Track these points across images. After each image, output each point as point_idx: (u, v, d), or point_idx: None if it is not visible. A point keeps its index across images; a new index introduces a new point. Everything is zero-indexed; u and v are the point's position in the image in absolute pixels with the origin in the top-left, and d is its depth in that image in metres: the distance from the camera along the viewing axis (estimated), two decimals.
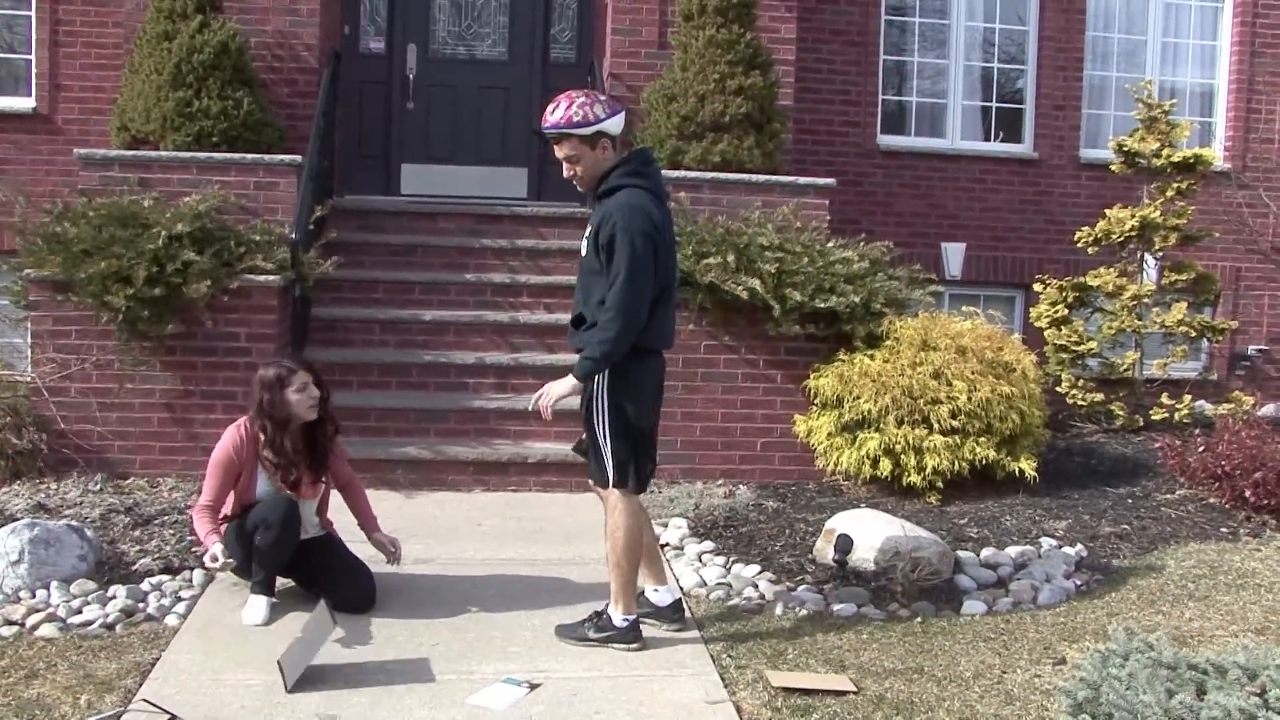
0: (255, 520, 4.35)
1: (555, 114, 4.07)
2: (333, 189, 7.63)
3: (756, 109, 7.25)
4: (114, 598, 4.54)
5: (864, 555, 5.04)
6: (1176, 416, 7.60)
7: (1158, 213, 7.76)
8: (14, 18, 8.34)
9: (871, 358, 6.33)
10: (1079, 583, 5.12)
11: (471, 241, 7.45)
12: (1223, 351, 9.37)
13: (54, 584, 4.59)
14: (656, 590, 4.41)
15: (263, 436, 4.44)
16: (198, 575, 4.77)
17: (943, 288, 8.60)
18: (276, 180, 6.69)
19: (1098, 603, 4.90)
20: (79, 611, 4.43)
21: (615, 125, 4.10)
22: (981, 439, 6.14)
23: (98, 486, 5.98)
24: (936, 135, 9.31)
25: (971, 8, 9.28)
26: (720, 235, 6.57)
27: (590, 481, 4.29)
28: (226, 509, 4.50)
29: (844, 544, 5.03)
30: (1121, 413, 7.67)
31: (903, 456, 6.09)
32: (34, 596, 4.54)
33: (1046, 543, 5.54)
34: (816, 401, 6.48)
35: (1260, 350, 9.52)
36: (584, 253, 4.15)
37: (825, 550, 5.16)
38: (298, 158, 6.79)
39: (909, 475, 6.08)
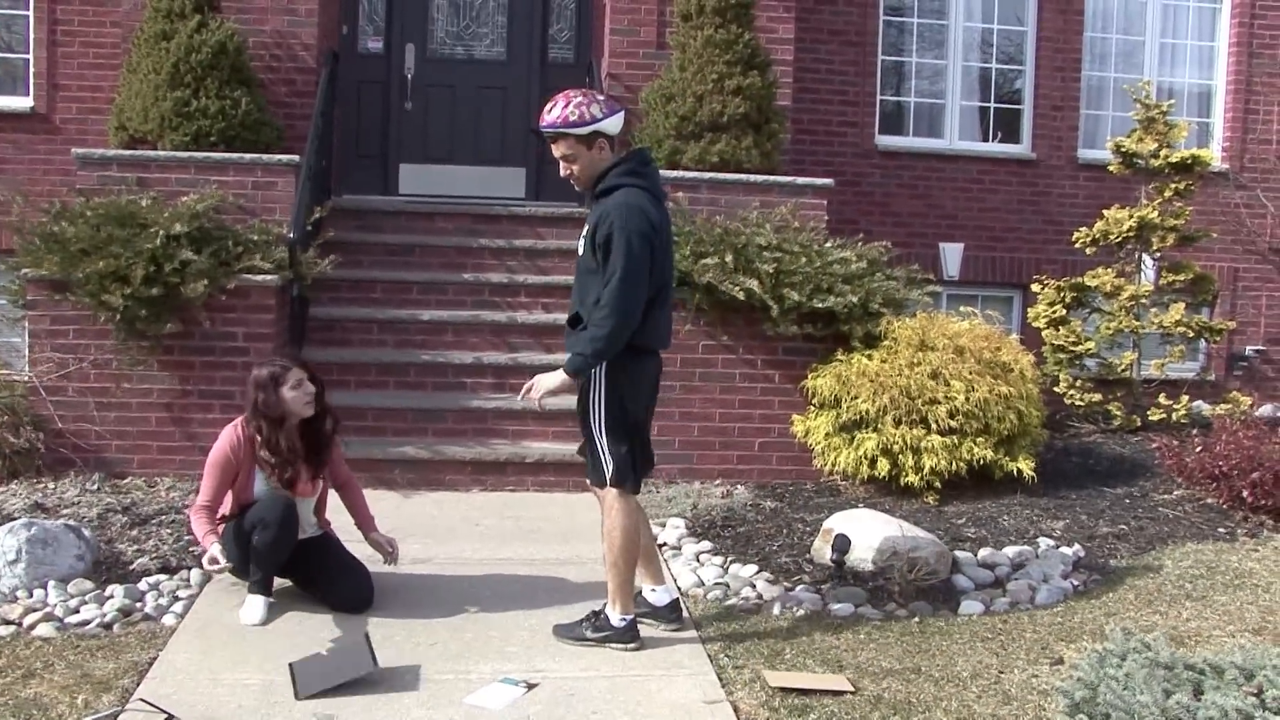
0: (253, 520, 4.35)
1: (552, 113, 4.07)
2: (331, 189, 7.63)
3: (754, 109, 7.26)
4: (111, 597, 4.53)
5: (861, 555, 5.04)
6: (1174, 417, 7.61)
7: (1155, 213, 7.77)
8: (12, 17, 8.33)
9: (869, 358, 6.33)
10: (1076, 583, 5.13)
11: (469, 241, 7.45)
12: (1220, 352, 9.37)
13: (51, 583, 4.58)
14: (654, 590, 4.41)
15: (258, 437, 4.43)
16: (195, 575, 4.77)
17: (941, 288, 8.61)
18: (274, 180, 6.69)
19: (1095, 603, 4.90)
20: (76, 611, 4.43)
21: (612, 125, 4.10)
22: (979, 439, 6.14)
23: (95, 486, 5.97)
24: (935, 135, 9.31)
25: (970, 8, 9.29)
26: (718, 235, 6.57)
27: (587, 481, 4.29)
28: (224, 509, 4.50)
29: (841, 544, 5.03)
30: (1119, 413, 7.67)
31: (900, 456, 6.09)
32: (31, 596, 4.54)
33: (1044, 543, 5.55)
34: (814, 401, 6.48)
35: (1258, 350, 9.52)
36: (581, 252, 4.15)
37: (823, 550, 5.16)
38: (296, 157, 6.79)
39: (907, 475, 6.08)
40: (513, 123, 8.51)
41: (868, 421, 6.18)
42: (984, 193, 9.24)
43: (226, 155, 6.69)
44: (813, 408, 6.51)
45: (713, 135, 7.17)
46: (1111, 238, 7.88)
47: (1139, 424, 7.66)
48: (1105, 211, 8.00)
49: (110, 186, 6.48)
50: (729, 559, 5.21)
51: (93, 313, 6.07)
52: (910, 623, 4.61)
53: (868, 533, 5.10)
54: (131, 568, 4.88)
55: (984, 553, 5.35)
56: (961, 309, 7.30)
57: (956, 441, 6.10)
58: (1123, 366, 7.93)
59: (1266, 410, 8.49)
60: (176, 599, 4.58)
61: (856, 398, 6.17)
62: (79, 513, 5.53)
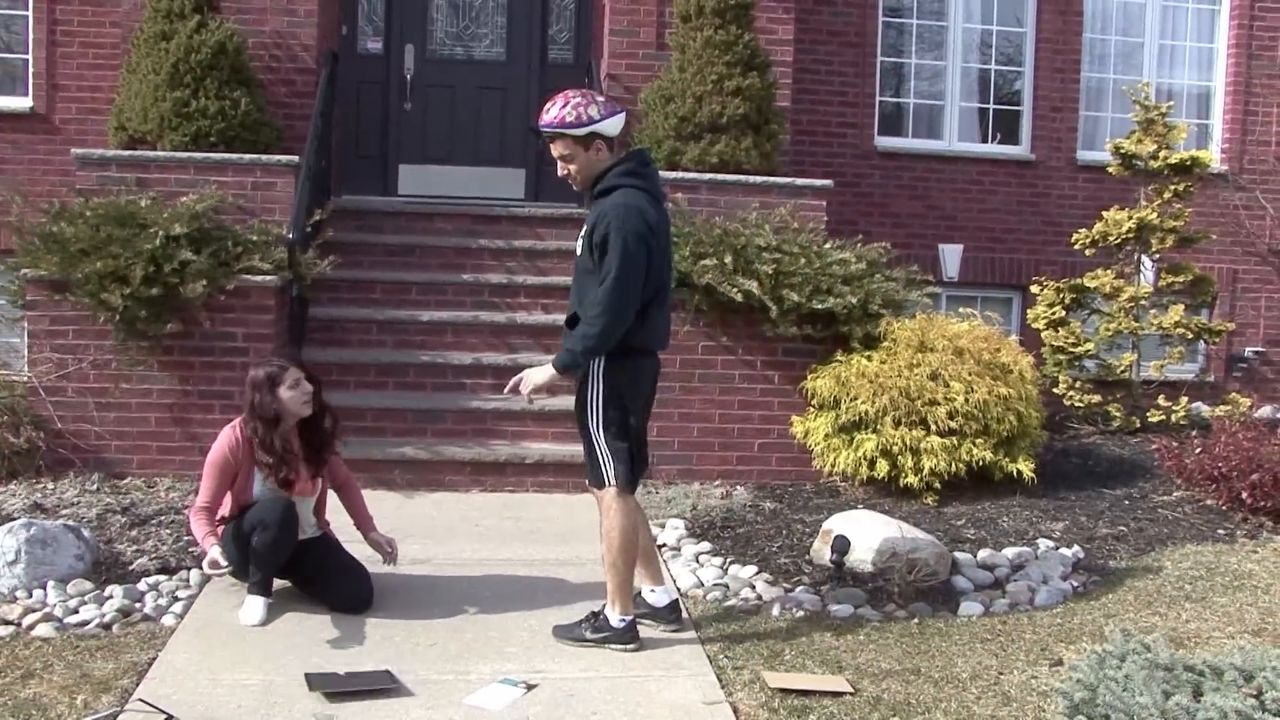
0: (253, 521, 4.34)
1: (550, 112, 4.08)
2: (330, 189, 7.63)
3: (754, 110, 7.26)
4: (111, 597, 4.53)
5: (861, 556, 5.04)
6: (1173, 418, 7.61)
7: (1155, 214, 7.77)
8: (11, 17, 8.33)
9: (869, 359, 6.33)
10: (1076, 584, 5.13)
11: (469, 242, 7.45)
12: (1220, 353, 9.37)
13: (50, 584, 4.58)
14: (653, 591, 4.41)
15: (255, 438, 4.43)
16: (194, 575, 4.77)
17: (940, 289, 8.62)
18: (274, 180, 6.69)
19: (1095, 604, 4.91)
20: (75, 611, 4.43)
21: (611, 127, 4.09)
22: (978, 440, 6.14)
23: (95, 486, 5.97)
24: (934, 137, 9.31)
25: (969, 9, 9.29)
26: (718, 236, 6.58)
27: (586, 482, 4.29)
28: (224, 510, 4.49)
29: (841, 545, 5.03)
30: (1119, 414, 7.68)
31: (900, 458, 6.09)
32: (30, 596, 4.53)
33: (1043, 544, 5.55)
34: (814, 402, 6.48)
35: (1257, 352, 9.53)
36: (579, 252, 4.16)
37: (822, 551, 5.16)
38: (295, 158, 6.79)
39: (906, 476, 6.08)
40: (512, 123, 8.51)
41: (867, 422, 6.18)
42: (983, 194, 9.25)
43: (226, 156, 6.69)
44: (812, 409, 6.51)
45: (712, 136, 7.18)
46: (1111, 239, 7.88)
47: (1138, 425, 7.67)
48: (1104, 213, 8.00)
49: (110, 187, 6.48)
50: (728, 560, 5.21)
51: (92, 313, 6.07)
52: (910, 624, 4.61)
53: (867, 534, 5.10)
54: (131, 568, 4.88)
55: (983, 554, 5.35)
56: (961, 310, 7.30)
57: (956, 443, 6.11)
58: (1122, 368, 7.94)
59: (1266, 412, 8.49)
60: (176, 599, 4.57)
61: (856, 399, 6.18)
62: (78, 513, 5.53)
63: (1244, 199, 9.44)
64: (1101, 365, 8.01)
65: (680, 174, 7.05)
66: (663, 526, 5.63)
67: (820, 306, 6.37)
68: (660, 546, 5.24)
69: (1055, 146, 9.30)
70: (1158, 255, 7.97)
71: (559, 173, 4.21)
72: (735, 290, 6.30)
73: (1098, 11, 9.43)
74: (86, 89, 8.21)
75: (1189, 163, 7.81)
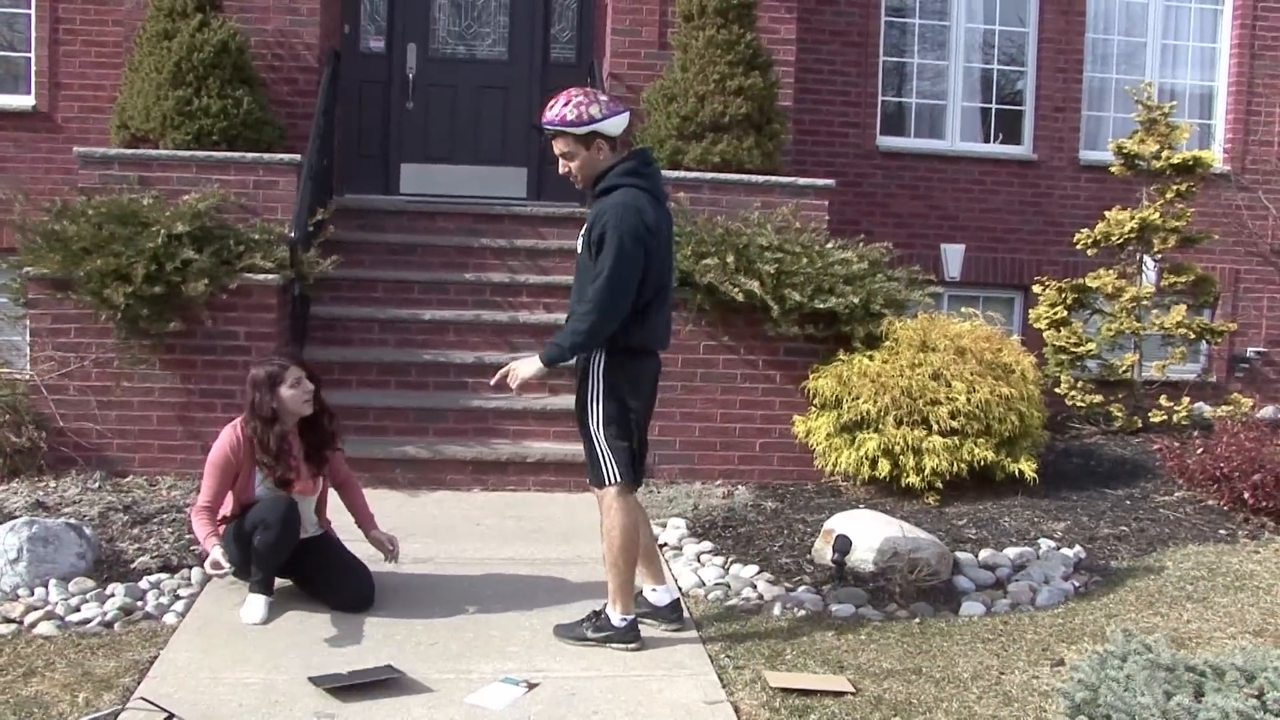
0: (254, 520, 4.35)
1: (552, 110, 4.09)
2: (332, 188, 7.63)
3: (756, 109, 7.26)
4: (112, 596, 4.54)
5: (862, 556, 5.04)
6: (1175, 418, 7.61)
7: (1157, 215, 7.76)
8: (13, 16, 8.33)
9: (870, 358, 6.33)
10: (1077, 584, 5.12)
11: (471, 241, 7.45)
12: (1222, 353, 9.37)
13: (52, 582, 4.58)
14: (655, 590, 4.41)
15: (256, 437, 4.42)
16: (196, 574, 4.77)
17: (942, 289, 8.62)
18: (276, 179, 6.69)
19: (1096, 604, 4.90)
20: (77, 609, 4.43)
21: (613, 126, 4.10)
22: (980, 440, 6.14)
23: (96, 484, 5.97)
24: (936, 136, 9.31)
25: (971, 9, 9.29)
26: (719, 236, 6.58)
27: (587, 481, 4.29)
28: (225, 509, 4.49)
29: (842, 544, 5.03)
30: (1120, 414, 7.67)
31: (901, 457, 6.09)
32: (32, 594, 4.54)
33: (1045, 544, 5.55)
34: (815, 402, 6.48)
35: (1259, 352, 9.52)
36: (579, 251, 4.16)
37: (824, 551, 5.16)
38: (297, 156, 6.79)
39: (908, 476, 6.08)
40: (514, 122, 8.51)
41: (869, 422, 6.18)
42: (985, 194, 9.24)
43: (228, 154, 6.69)
44: (814, 408, 6.51)
45: (714, 135, 7.18)
46: (1113, 239, 7.88)
47: (1140, 425, 7.66)
48: (1106, 213, 7.99)
49: (112, 185, 6.48)
50: (730, 559, 5.21)
51: (94, 311, 6.07)
52: (911, 624, 4.61)
53: (869, 533, 5.10)
54: (133, 566, 4.88)
55: (985, 554, 5.35)
56: (963, 310, 7.30)
57: (958, 442, 6.10)
58: (1124, 368, 7.93)
59: (1268, 412, 8.48)
60: (177, 598, 4.58)
61: (858, 398, 6.17)
62: (80, 511, 5.53)
63: (1246, 199, 9.42)
64: (1103, 365, 8.00)
65: (682, 173, 7.05)
66: (664, 526, 5.63)
67: (822, 306, 6.37)
68: (662, 546, 5.24)
69: (1057, 146, 9.30)
70: (1160, 255, 7.97)
71: (560, 170, 4.21)
72: (737, 290, 6.30)
73: (1100, 11, 9.42)
74: (89, 87, 8.21)
75: (1191, 163, 7.80)
